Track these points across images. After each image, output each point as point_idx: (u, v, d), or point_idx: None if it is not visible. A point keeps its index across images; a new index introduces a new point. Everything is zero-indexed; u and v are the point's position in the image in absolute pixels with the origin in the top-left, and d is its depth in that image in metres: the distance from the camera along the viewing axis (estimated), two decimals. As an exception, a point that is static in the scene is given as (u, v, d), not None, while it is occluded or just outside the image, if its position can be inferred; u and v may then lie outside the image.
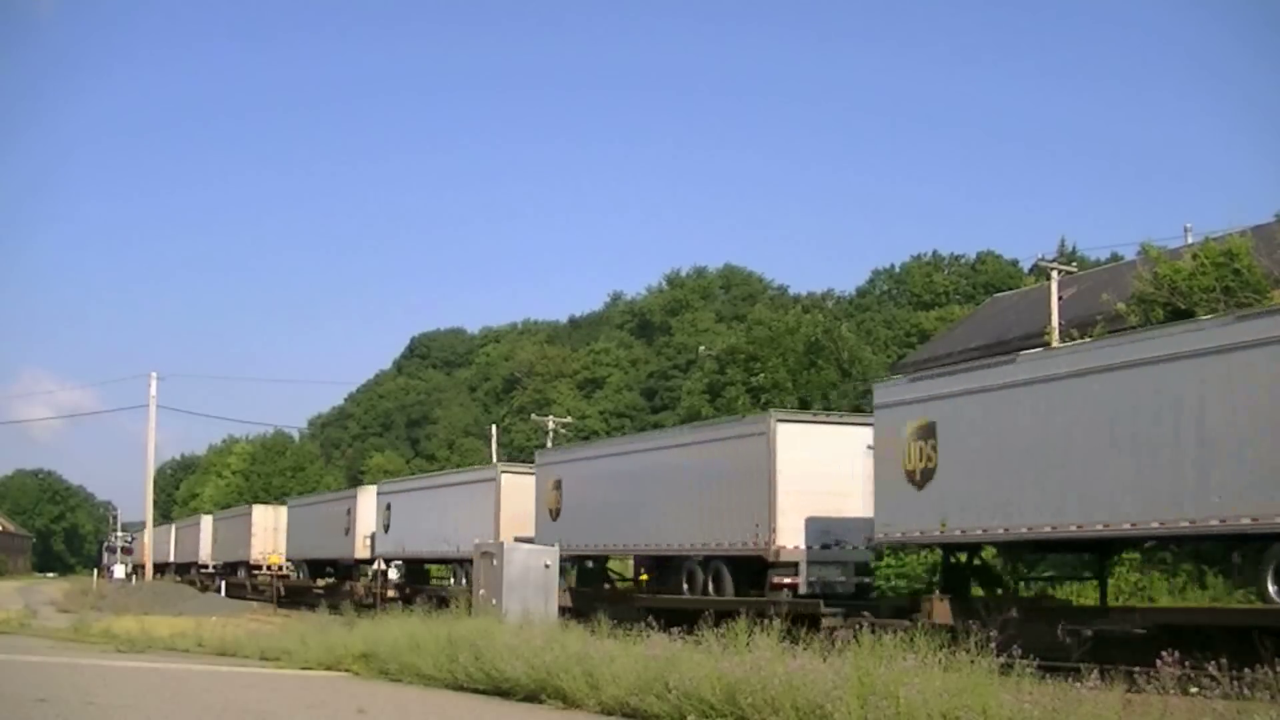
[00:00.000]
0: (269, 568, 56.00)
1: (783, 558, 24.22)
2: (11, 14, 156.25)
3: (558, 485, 32.79)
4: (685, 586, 27.14)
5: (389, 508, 42.78)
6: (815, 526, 24.34)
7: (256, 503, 66.85)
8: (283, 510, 57.83)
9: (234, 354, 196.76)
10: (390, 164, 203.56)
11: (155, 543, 78.23)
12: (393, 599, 38.30)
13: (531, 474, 34.50)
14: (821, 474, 24.26)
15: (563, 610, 25.94)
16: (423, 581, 42.11)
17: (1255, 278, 24.87)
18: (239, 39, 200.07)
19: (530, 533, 32.02)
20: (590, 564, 33.68)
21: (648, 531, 28.75)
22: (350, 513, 46.21)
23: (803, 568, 24.34)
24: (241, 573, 58.89)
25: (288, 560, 54.89)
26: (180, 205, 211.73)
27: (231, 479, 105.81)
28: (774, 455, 24.41)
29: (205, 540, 67.70)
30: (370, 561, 44.09)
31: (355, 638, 20.78)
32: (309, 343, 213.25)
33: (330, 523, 48.42)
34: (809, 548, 24.28)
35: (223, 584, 62.41)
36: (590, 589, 32.52)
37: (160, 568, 76.32)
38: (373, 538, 43.86)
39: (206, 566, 67.22)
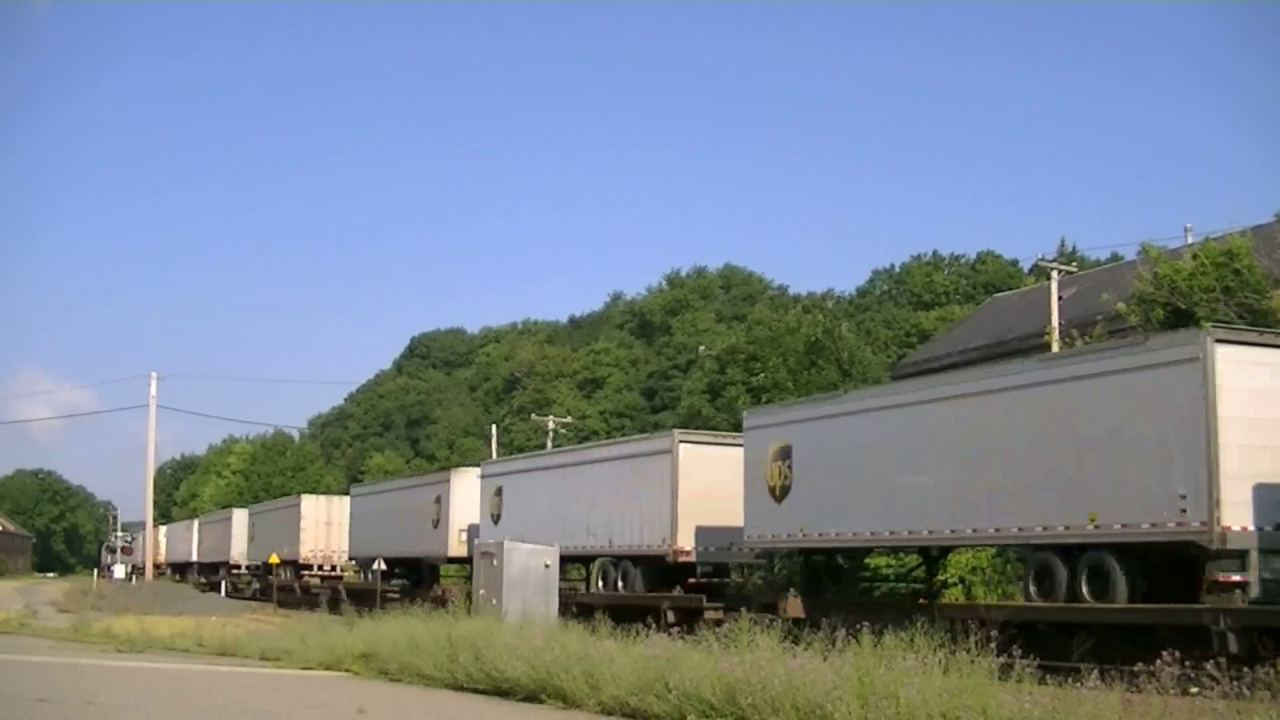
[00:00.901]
0: (320, 567, 50.25)
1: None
2: (8, 12, 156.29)
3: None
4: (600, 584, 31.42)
5: (499, 493, 35.94)
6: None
7: (285, 495, 63.51)
8: (340, 501, 51.99)
9: (234, 354, 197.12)
10: (390, 164, 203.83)
11: (171, 540, 77.49)
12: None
13: (725, 444, 28.91)
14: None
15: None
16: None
17: (1255, 278, 24.85)
18: (239, 38, 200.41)
19: (722, 520, 27.32)
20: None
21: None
22: (441, 501, 39.16)
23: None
24: (285, 573, 51.63)
25: (351, 559, 48.60)
26: (180, 205, 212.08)
27: (231, 479, 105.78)
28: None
29: (238, 537, 60.70)
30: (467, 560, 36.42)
31: (355, 638, 20.79)
32: (309, 343, 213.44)
33: (411, 514, 41.13)
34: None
35: (258, 587, 56.20)
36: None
37: (179, 568, 74.32)
38: (471, 531, 37.29)
39: (239, 567, 60.74)
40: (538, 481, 34.38)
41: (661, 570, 28.66)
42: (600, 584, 30.91)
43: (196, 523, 73.99)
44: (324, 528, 50.12)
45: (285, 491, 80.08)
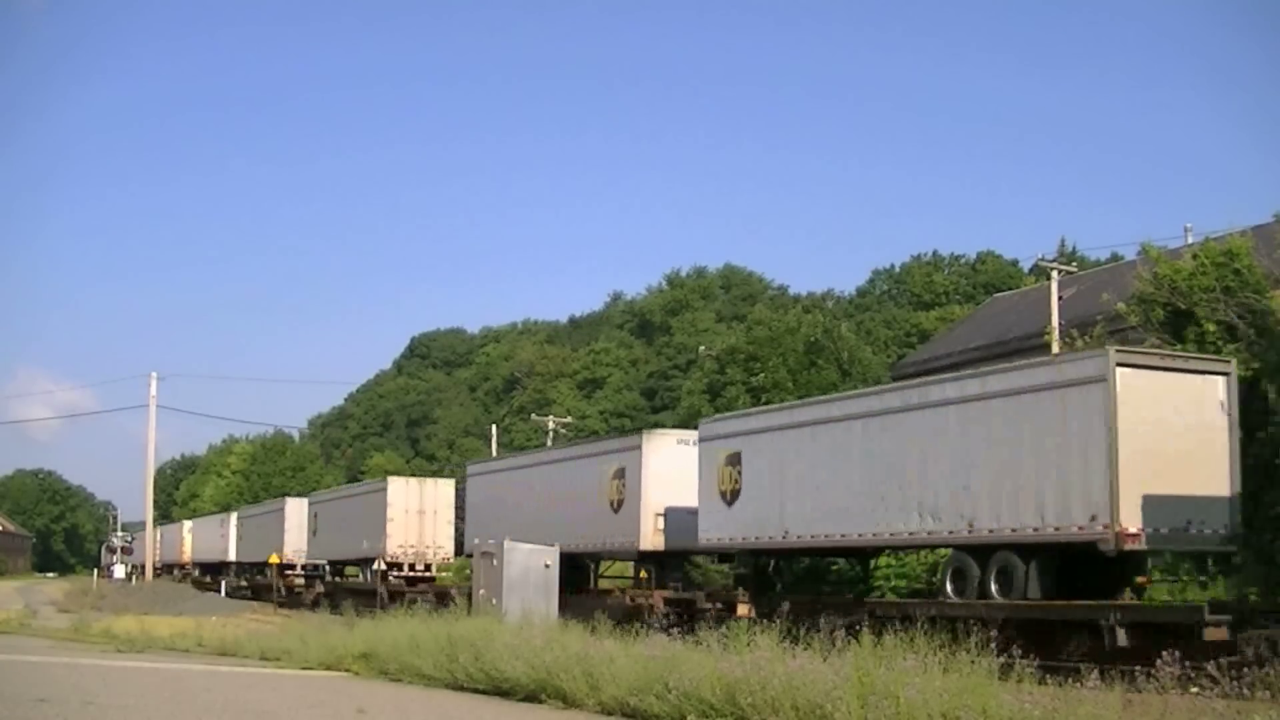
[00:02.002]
0: (411, 567, 40.98)
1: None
2: (4, 9, 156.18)
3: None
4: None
5: (735, 461, 25.92)
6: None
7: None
8: (437, 486, 43.31)
9: (234, 354, 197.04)
10: (390, 164, 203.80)
11: (198, 537, 72.62)
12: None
13: (1182, 369, 19.72)
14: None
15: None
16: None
17: (1255, 278, 24.78)
18: (238, 36, 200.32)
19: (1179, 486, 18.76)
20: None
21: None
22: (627, 476, 29.50)
23: None
24: (364, 574, 43.62)
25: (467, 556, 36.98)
26: (179, 205, 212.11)
27: (231, 479, 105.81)
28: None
29: (294, 531, 50.75)
30: (697, 554, 30.07)
31: (355, 638, 20.80)
32: (309, 343, 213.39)
33: (576, 495, 31.43)
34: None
35: (322, 592, 47.04)
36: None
37: (208, 568, 67.85)
38: (670, 517, 28.59)
39: (293, 567, 51.27)
40: (809, 441, 24.52)
41: (1079, 563, 19.40)
42: (954, 586, 21.09)
43: (233, 517, 64.36)
44: (415, 518, 41.22)
45: (285, 492, 79.45)
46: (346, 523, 44.56)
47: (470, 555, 34.88)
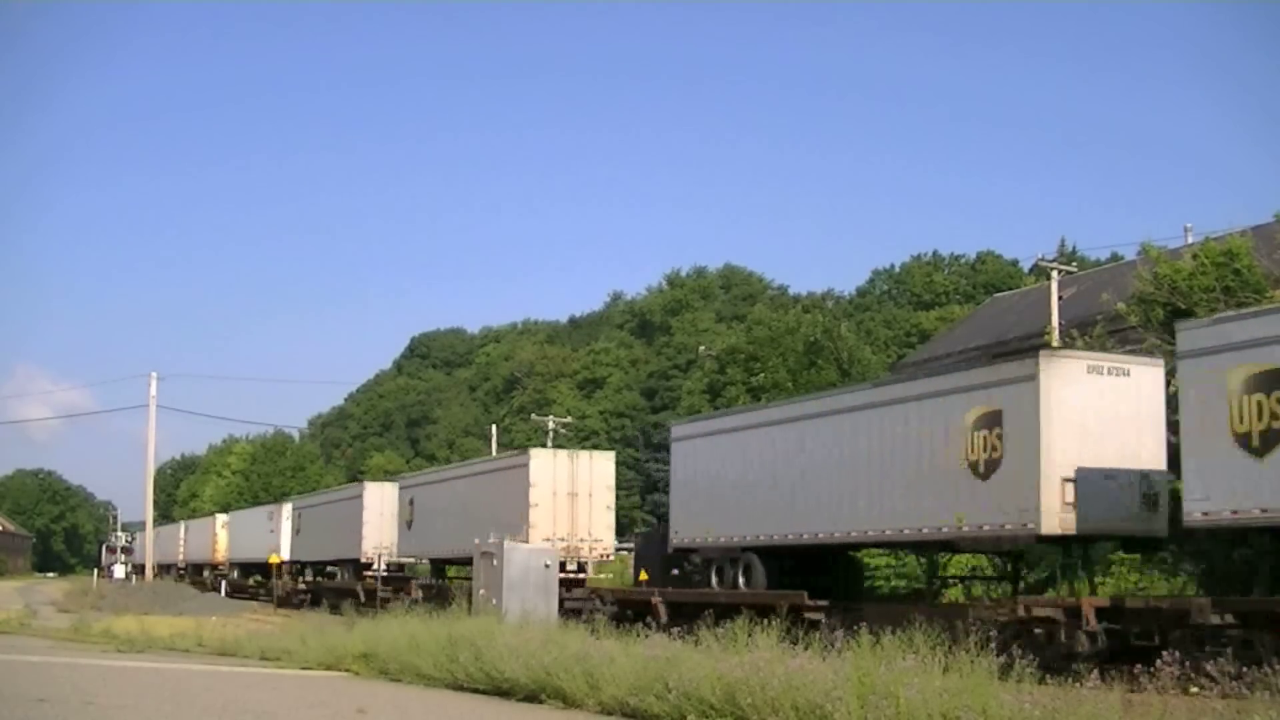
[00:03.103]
0: (561, 566, 30.04)
1: None
2: (3, 9, 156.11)
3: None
4: None
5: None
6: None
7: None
8: (593, 460, 33.24)
9: (234, 354, 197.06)
10: (391, 163, 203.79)
11: (236, 532, 63.25)
12: None
13: None
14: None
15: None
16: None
17: (1255, 278, 24.80)
18: (238, 32, 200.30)
19: None
20: None
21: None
22: (1002, 421, 19.54)
23: None
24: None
25: (678, 552, 28.81)
26: (178, 204, 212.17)
27: (231, 479, 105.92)
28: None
29: (377, 524, 41.97)
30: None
31: (355, 638, 20.77)
32: (309, 343, 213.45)
33: (891, 447, 21.63)
34: None
35: (432, 589, 35.82)
36: None
37: (253, 570, 58.31)
38: (1082, 479, 18.87)
39: (369, 565, 41.85)
40: None
41: None
42: None
43: (287, 507, 54.45)
44: (565, 502, 32.01)
45: (285, 492, 78.41)
46: (467, 509, 34.97)
47: (628, 549, 29.75)
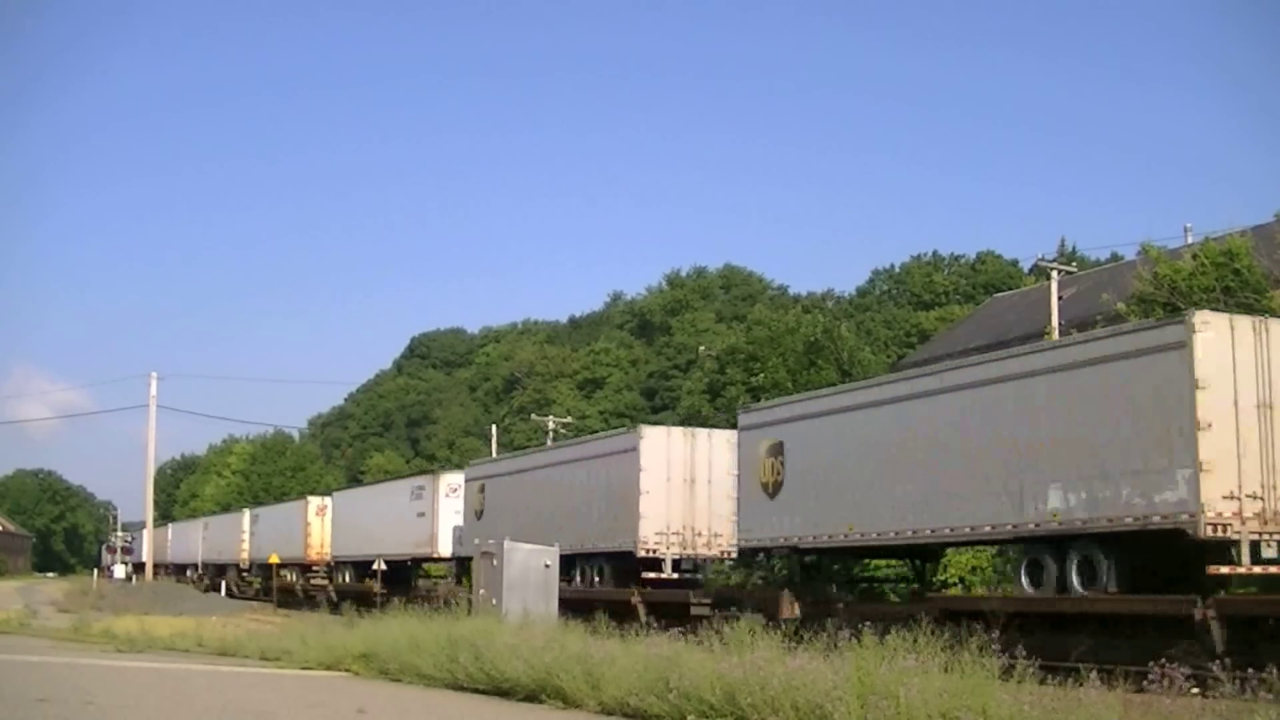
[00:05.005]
0: (675, 565, 28.31)
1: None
2: (2, 6, 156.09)
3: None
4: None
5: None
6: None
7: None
8: (711, 440, 28.63)
9: (234, 354, 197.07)
10: (391, 163, 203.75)
11: (266, 527, 58.03)
12: None
13: None
14: None
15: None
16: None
17: (1255, 278, 24.85)
18: (238, 31, 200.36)
19: None
20: None
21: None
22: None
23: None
24: (594, 574, 30.27)
25: (803, 552, 25.17)
26: (178, 203, 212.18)
27: (231, 479, 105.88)
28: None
29: (449, 515, 37.51)
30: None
31: (355, 638, 20.77)
32: (309, 343, 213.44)
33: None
34: None
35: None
36: None
37: (291, 572, 52.10)
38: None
39: (435, 562, 37.72)
40: None
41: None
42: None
43: (329, 502, 49.03)
44: (683, 490, 27.74)
45: (285, 492, 77.00)
46: (560, 499, 31.26)
47: (742, 547, 25.86)
